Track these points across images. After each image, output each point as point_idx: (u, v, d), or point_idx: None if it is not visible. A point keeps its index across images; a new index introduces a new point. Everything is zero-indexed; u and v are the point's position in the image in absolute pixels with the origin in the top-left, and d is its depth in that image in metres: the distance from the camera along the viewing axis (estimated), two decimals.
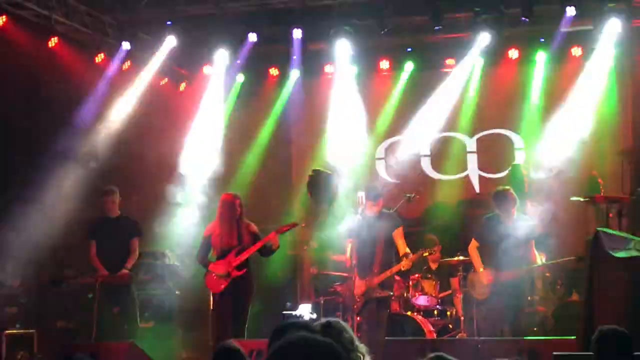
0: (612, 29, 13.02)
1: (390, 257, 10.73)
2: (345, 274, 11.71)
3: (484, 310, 10.98)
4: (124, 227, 11.56)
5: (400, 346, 9.38)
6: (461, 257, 11.83)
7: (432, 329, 11.48)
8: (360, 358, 5.10)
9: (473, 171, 15.01)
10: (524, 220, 10.68)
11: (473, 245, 10.97)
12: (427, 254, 10.84)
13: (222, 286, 10.65)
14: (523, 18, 12.93)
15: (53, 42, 12.76)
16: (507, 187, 11.04)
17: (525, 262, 10.66)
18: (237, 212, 10.74)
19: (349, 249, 11.04)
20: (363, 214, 10.75)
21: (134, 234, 11.61)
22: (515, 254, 10.46)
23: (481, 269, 10.77)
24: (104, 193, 11.61)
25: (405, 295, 12.03)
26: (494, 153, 14.98)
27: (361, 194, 10.89)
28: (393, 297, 11.38)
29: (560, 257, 11.95)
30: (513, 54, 14.14)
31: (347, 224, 11.11)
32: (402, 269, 10.66)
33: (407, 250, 10.65)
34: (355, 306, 10.64)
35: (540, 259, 11.28)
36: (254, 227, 10.89)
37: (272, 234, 10.78)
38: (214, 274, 10.70)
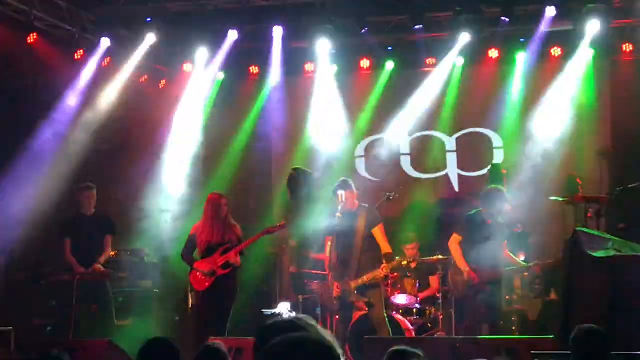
0: (592, 29, 13.09)
1: (372, 258, 10.43)
2: (324, 273, 11.70)
3: (465, 309, 11.00)
4: (99, 225, 11.54)
5: (378, 345, 9.37)
6: (440, 256, 11.85)
7: (410, 327, 11.50)
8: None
9: (452, 170, 15.04)
10: (499, 219, 10.73)
11: (455, 239, 10.90)
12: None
13: (207, 284, 10.68)
14: (503, 18, 12.97)
15: (32, 37, 12.67)
16: (499, 186, 11.09)
17: (502, 261, 10.71)
18: (224, 212, 10.76)
19: (328, 248, 11.01)
20: (342, 210, 10.57)
21: (108, 231, 11.60)
22: (495, 254, 10.51)
23: (467, 269, 10.71)
24: (80, 189, 11.57)
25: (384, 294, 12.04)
26: (473, 152, 15.02)
27: (341, 192, 10.84)
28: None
29: (538, 257, 12.03)
30: (493, 53, 14.16)
31: (325, 222, 11.07)
32: (380, 275, 10.28)
33: (389, 249, 10.42)
34: (334, 308, 10.59)
35: (517, 259, 11.36)
36: (239, 230, 10.90)
37: (261, 234, 10.83)
38: (198, 272, 10.71)
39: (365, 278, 10.31)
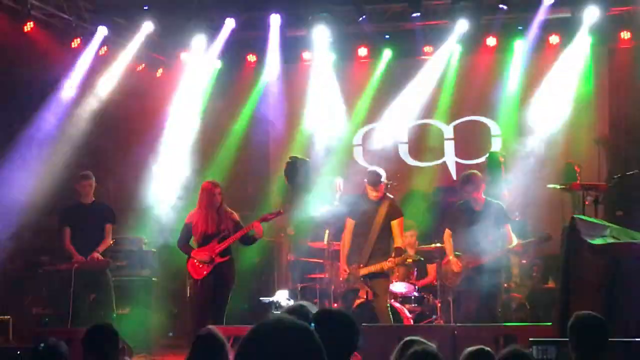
0: (590, 16, 13.09)
1: (385, 248, 10.62)
2: (322, 261, 11.72)
3: (457, 297, 11.03)
4: (98, 213, 11.53)
5: (377, 333, 9.39)
6: (438, 244, 11.84)
7: (409, 315, 11.52)
8: None
9: (450, 158, 15.04)
10: (495, 205, 10.73)
11: (447, 235, 11.05)
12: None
13: (205, 272, 10.66)
14: (501, 5, 12.97)
15: (29, 26, 12.63)
16: (472, 171, 11.14)
17: (498, 246, 10.69)
18: (218, 200, 10.74)
19: (326, 236, 11.02)
20: (364, 198, 10.69)
21: (108, 220, 11.59)
22: (486, 239, 10.51)
23: (451, 257, 10.86)
24: (80, 178, 11.56)
25: None
26: (470, 140, 15.02)
27: (339, 181, 10.87)
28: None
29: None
30: (491, 41, 14.14)
31: (323, 211, 11.10)
32: (386, 267, 10.53)
33: (401, 243, 10.59)
34: (339, 291, 10.61)
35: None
36: (236, 216, 10.90)
37: (257, 222, 10.80)
38: (196, 260, 10.70)
39: (372, 268, 10.49)
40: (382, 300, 10.59)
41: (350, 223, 10.76)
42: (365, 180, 10.64)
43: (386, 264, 10.42)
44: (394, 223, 10.62)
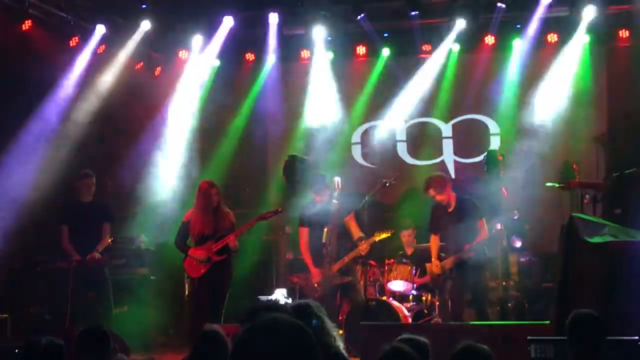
0: (588, 15, 13.08)
1: (347, 243, 10.85)
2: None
3: (444, 295, 11.15)
4: (96, 212, 11.54)
5: (375, 331, 9.39)
6: None
7: (407, 314, 11.52)
8: (332, 341, 5.12)
9: (448, 156, 15.02)
10: (466, 202, 10.82)
11: (431, 238, 11.29)
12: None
13: (202, 271, 10.69)
14: (499, 4, 12.95)
15: (27, 25, 12.61)
16: (433, 175, 11.36)
17: (463, 244, 10.77)
18: (214, 201, 10.76)
19: (325, 235, 11.03)
20: (312, 203, 10.88)
21: (106, 218, 11.60)
22: (460, 238, 10.61)
23: (432, 260, 11.10)
24: (80, 177, 11.57)
25: (380, 280, 12.07)
26: (469, 138, 15.00)
27: (337, 179, 10.92)
28: (369, 282, 11.50)
29: (535, 242, 12.03)
30: (489, 40, 14.11)
31: (309, 209, 11.19)
32: (361, 253, 10.84)
33: (361, 234, 10.80)
34: (316, 295, 10.66)
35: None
36: (232, 217, 10.92)
37: (256, 220, 10.86)
38: (193, 259, 10.71)
39: (346, 259, 10.82)
40: (359, 287, 11.01)
41: (304, 232, 11.09)
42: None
43: (360, 250, 10.72)
44: (347, 219, 10.92)
